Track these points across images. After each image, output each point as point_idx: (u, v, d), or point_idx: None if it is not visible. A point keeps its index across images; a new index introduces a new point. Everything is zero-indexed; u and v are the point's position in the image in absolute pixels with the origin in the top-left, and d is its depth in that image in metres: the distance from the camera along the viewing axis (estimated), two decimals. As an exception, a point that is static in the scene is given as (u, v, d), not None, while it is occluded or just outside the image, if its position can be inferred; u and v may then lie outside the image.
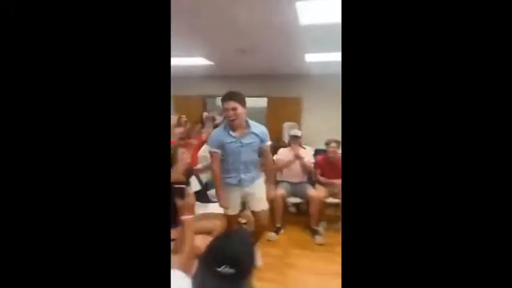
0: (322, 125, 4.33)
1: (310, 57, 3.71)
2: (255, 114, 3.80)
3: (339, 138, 2.63)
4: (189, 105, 5.21)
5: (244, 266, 0.67)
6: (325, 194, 2.65)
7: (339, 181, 2.59)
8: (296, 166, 2.72)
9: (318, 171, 2.79)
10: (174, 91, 5.83)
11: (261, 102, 5.02)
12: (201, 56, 3.83)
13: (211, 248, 0.70)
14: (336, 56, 3.56)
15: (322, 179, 2.77)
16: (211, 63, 4.18)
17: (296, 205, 3.09)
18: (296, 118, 4.92)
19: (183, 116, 3.80)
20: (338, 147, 2.68)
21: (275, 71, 4.80)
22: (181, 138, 2.63)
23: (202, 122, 3.21)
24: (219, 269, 0.63)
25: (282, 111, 4.82)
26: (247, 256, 0.69)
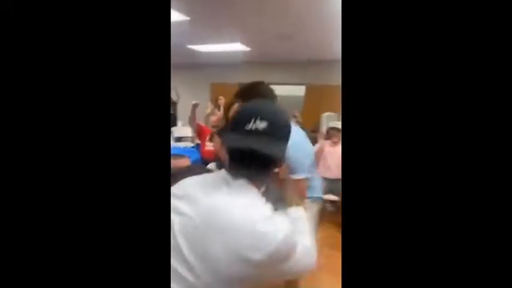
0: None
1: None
2: (292, 104, 3.67)
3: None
4: (225, 93, 5.19)
5: (276, 119, 0.61)
6: None
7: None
8: (334, 160, 2.56)
9: None
10: (211, 78, 5.91)
11: (299, 91, 4.84)
12: (239, 41, 3.75)
13: (238, 112, 0.66)
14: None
15: None
16: (249, 49, 4.08)
17: (333, 203, 2.95)
18: (336, 108, 4.66)
19: (221, 97, 3.64)
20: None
21: (314, 57, 4.56)
22: (214, 127, 2.61)
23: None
24: (250, 126, 0.58)
25: (321, 100, 4.60)
26: (277, 112, 0.64)
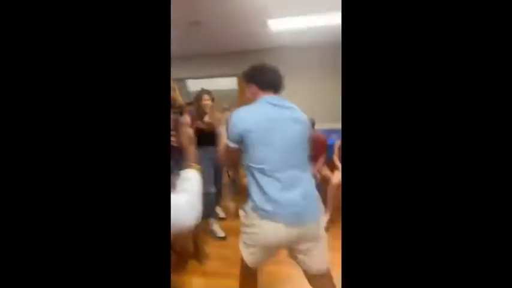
0: (302, 102, 4.09)
1: (275, 24, 3.34)
2: (226, 97, 3.48)
3: (314, 114, 2.51)
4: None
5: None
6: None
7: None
8: None
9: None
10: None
11: (231, 83, 4.67)
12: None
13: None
14: (303, 22, 3.23)
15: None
16: (165, 43, 3.73)
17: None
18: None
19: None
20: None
21: (238, 46, 4.40)
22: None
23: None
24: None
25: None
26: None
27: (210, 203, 2.18)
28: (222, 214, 2.73)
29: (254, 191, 1.04)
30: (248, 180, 1.09)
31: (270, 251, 1.09)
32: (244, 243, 1.11)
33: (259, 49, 4.40)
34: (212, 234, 2.35)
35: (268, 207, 1.00)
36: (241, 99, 3.79)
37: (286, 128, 1.06)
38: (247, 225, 1.09)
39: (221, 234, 2.35)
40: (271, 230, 1.01)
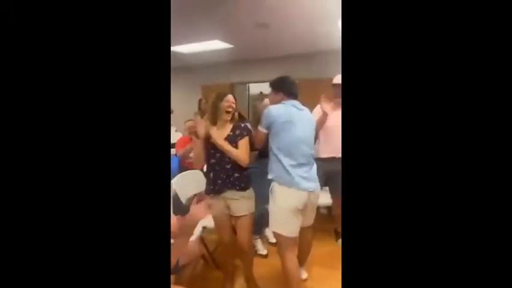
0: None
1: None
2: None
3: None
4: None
5: None
6: None
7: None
8: (336, 129, 2.09)
9: None
10: (201, 80, 5.61)
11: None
12: (216, 38, 3.44)
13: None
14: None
15: None
16: (230, 45, 3.77)
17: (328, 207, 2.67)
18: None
19: (204, 101, 3.62)
20: None
21: (304, 50, 4.19)
22: (191, 132, 2.48)
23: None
24: None
25: (316, 95, 4.26)
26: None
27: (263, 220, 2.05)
28: (272, 239, 2.41)
29: (275, 165, 1.54)
30: (271, 159, 1.59)
31: (293, 212, 1.49)
32: (275, 220, 1.55)
33: (329, 50, 4.08)
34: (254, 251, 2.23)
35: (286, 176, 1.49)
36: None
37: (302, 123, 1.56)
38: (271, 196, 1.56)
39: (263, 252, 2.28)
40: (285, 193, 1.49)
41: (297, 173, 1.48)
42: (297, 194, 1.47)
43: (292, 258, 1.53)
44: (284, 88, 1.64)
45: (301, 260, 1.77)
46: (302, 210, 1.51)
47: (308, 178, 1.51)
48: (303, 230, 1.60)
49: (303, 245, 1.71)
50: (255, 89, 5.36)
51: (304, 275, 1.88)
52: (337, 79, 2.23)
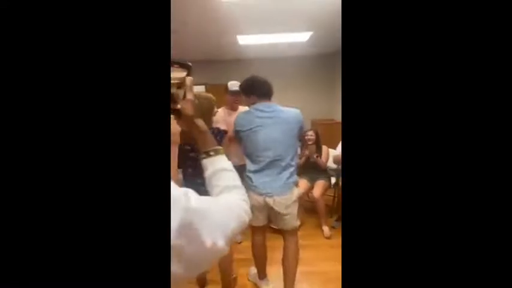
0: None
1: (244, 40, 3.59)
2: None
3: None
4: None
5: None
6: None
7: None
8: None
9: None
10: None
11: (199, 90, 4.80)
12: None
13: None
14: (269, 38, 3.51)
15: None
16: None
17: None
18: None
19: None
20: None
21: (208, 56, 4.56)
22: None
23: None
24: None
25: (223, 99, 4.67)
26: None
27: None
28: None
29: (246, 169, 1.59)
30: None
31: (258, 214, 1.61)
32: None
33: (227, 60, 4.63)
34: None
35: (249, 181, 1.56)
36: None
37: (267, 128, 1.52)
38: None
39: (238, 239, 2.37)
40: (251, 197, 1.46)
41: (257, 178, 1.53)
42: (256, 198, 1.54)
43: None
44: (255, 90, 1.57)
45: (290, 278, 1.71)
46: (263, 212, 1.60)
47: (269, 182, 1.53)
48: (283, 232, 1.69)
49: (288, 253, 1.70)
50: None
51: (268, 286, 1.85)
52: (233, 85, 2.22)
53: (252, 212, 1.25)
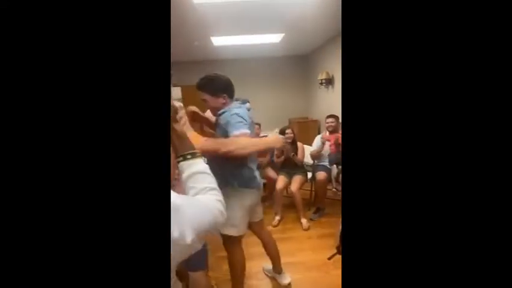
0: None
1: (218, 41, 3.63)
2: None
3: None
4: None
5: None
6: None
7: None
8: None
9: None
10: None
11: (175, 92, 4.73)
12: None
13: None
14: (243, 39, 3.57)
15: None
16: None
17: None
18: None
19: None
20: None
21: (182, 57, 4.54)
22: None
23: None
24: None
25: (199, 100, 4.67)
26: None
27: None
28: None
29: (241, 170, 1.49)
30: (234, 164, 1.48)
31: (248, 211, 1.55)
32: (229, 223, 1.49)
33: (201, 60, 4.63)
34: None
35: (254, 179, 1.52)
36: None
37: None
38: None
39: None
40: (245, 194, 1.50)
41: (257, 173, 1.55)
42: (254, 192, 1.54)
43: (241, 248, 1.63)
44: (227, 90, 1.45)
45: (277, 264, 1.86)
46: (252, 207, 1.59)
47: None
48: (256, 224, 1.69)
49: (267, 243, 1.78)
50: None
51: (286, 279, 1.88)
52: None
53: (254, 210, 1.16)
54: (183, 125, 0.71)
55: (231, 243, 1.55)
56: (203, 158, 0.67)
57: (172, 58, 4.60)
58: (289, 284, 1.86)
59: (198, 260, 1.28)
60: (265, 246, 1.79)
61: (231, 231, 1.49)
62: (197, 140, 1.18)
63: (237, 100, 1.50)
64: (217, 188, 0.63)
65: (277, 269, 1.86)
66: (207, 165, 0.65)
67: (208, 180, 0.62)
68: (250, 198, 1.50)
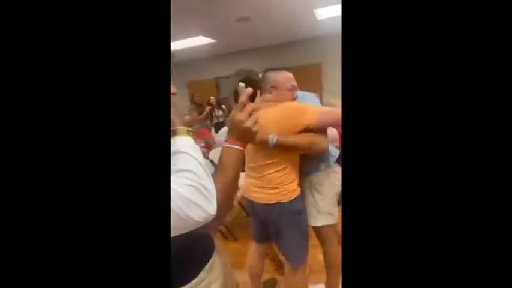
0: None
1: (321, 14, 3.26)
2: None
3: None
4: (202, 90, 5.06)
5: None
6: None
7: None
8: None
9: None
10: (186, 76, 5.70)
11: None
12: (200, 34, 3.56)
13: None
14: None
15: None
16: (213, 40, 3.89)
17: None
18: (318, 87, 4.51)
19: (197, 94, 3.87)
20: None
21: (285, 38, 4.38)
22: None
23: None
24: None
25: (302, 81, 4.54)
26: None
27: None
28: None
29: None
30: None
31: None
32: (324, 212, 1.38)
33: (306, 39, 4.33)
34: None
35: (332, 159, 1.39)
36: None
37: None
38: None
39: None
40: (333, 177, 1.39)
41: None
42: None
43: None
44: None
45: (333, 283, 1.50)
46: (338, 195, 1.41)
47: None
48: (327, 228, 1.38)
49: (330, 254, 1.45)
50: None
51: None
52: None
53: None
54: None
55: (329, 233, 1.38)
56: (187, 135, 0.60)
57: (276, 40, 4.44)
58: None
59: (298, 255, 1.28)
60: (326, 257, 1.44)
61: (329, 220, 1.34)
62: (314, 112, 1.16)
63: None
64: (191, 170, 0.54)
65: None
66: (189, 143, 0.58)
67: (182, 160, 0.55)
68: (339, 180, 1.35)
